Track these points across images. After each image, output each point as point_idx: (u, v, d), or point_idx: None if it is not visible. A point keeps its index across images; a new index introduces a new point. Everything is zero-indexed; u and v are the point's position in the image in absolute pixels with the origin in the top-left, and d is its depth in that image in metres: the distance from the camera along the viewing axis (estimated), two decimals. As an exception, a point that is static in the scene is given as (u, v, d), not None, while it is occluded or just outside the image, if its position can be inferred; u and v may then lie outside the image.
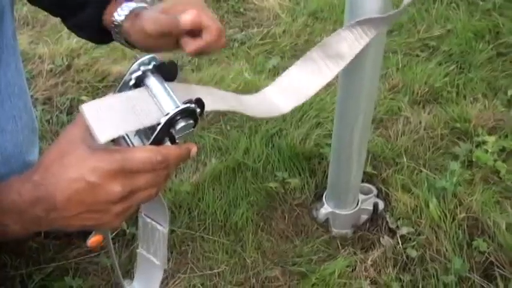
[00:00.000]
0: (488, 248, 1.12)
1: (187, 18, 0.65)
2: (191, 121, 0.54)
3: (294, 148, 1.34)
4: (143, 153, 0.51)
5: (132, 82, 0.56)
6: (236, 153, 1.34)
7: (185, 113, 0.53)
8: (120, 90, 0.56)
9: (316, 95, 1.53)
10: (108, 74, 1.68)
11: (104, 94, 1.60)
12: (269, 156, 1.33)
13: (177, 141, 0.55)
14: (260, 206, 1.22)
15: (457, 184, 1.26)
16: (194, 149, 0.57)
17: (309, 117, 1.44)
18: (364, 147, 1.07)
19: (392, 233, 1.16)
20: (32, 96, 1.37)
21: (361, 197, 1.19)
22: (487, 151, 1.37)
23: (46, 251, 1.12)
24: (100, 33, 0.78)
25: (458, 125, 1.46)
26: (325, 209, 1.18)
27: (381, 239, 1.15)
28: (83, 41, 1.85)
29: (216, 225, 1.18)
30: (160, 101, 0.54)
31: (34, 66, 1.71)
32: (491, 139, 1.40)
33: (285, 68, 1.81)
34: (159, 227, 0.68)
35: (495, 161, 1.35)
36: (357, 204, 1.17)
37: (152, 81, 0.55)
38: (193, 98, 0.54)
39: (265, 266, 1.11)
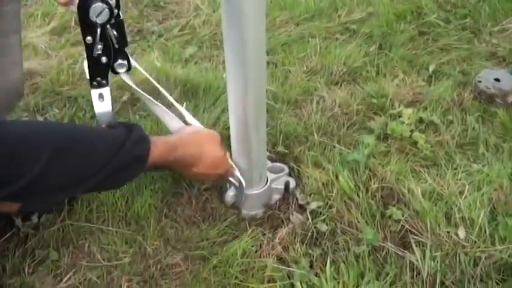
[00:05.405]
0: (403, 216, 1.08)
1: None
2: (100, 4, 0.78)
3: (204, 132, 1.28)
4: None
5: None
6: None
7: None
8: None
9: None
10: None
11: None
12: (177, 142, 1.27)
13: (95, 20, 0.79)
14: (165, 193, 1.15)
15: (370, 156, 1.22)
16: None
17: (220, 102, 1.39)
18: (261, 124, 1.01)
19: (302, 209, 1.11)
20: None
21: (271, 176, 1.14)
22: (403, 123, 1.34)
23: None
24: None
25: (374, 100, 1.43)
26: (232, 191, 1.12)
27: (290, 216, 1.09)
28: None
29: (117, 216, 1.10)
30: None
31: None
32: (407, 111, 1.37)
33: (203, 57, 1.73)
34: None
35: (412, 131, 1.32)
36: (266, 183, 1.11)
37: None
38: None
39: (167, 253, 1.03)
